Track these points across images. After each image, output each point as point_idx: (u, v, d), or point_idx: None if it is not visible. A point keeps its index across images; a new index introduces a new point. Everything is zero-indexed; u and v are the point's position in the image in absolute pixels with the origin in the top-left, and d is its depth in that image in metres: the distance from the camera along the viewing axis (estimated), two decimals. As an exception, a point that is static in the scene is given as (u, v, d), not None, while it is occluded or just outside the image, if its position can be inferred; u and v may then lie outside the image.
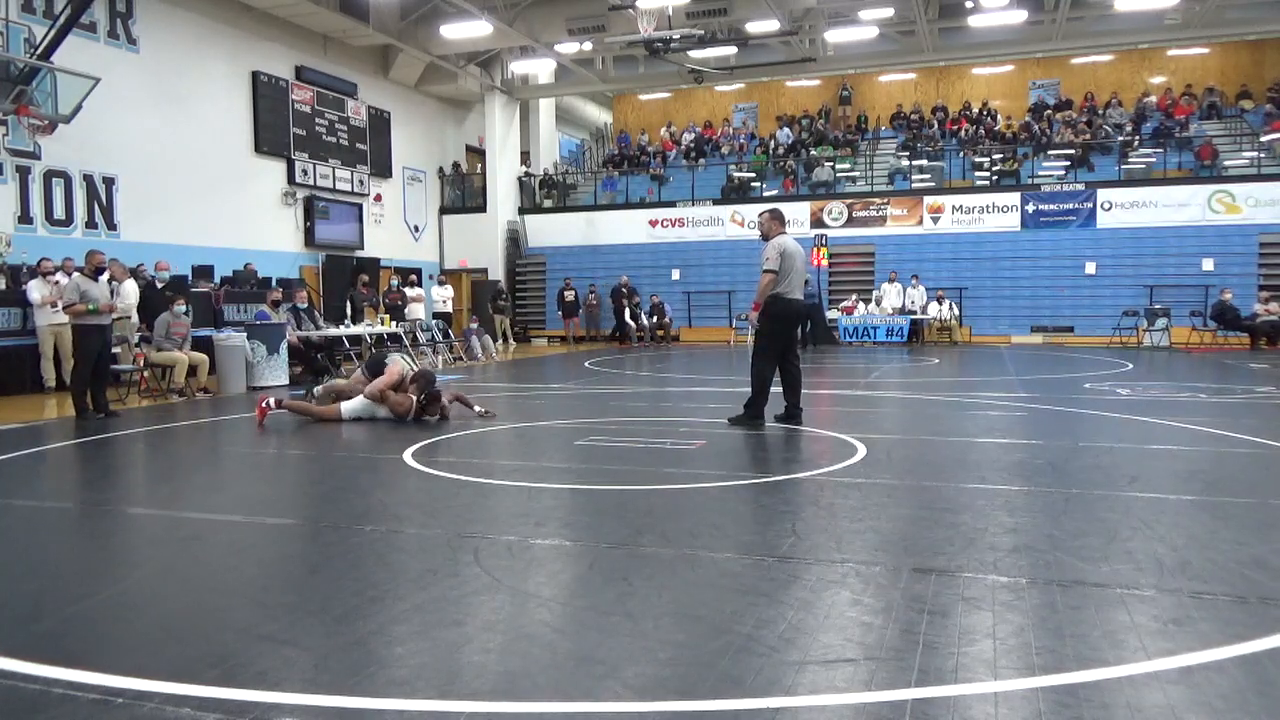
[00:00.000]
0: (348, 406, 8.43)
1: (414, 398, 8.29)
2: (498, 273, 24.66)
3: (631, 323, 22.40)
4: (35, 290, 11.53)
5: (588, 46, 22.34)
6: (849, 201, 22.93)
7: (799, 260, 7.72)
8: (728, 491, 5.26)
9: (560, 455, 6.52)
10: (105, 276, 10.11)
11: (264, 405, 8.50)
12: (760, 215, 8.10)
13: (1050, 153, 22.79)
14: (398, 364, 8.73)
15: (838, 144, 25.83)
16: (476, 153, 26.05)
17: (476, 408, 8.53)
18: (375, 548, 4.11)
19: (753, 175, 25.12)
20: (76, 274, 9.42)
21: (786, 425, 7.72)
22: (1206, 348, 18.22)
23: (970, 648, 2.82)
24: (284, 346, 12.42)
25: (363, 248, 21.43)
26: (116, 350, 11.31)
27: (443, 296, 20.71)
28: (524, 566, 3.85)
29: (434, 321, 18.29)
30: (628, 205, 24.90)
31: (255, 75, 18.24)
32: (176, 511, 5.07)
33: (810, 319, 20.16)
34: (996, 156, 22.95)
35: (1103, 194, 21.00)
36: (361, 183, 21.39)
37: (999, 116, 25.86)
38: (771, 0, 18.26)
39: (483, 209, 24.82)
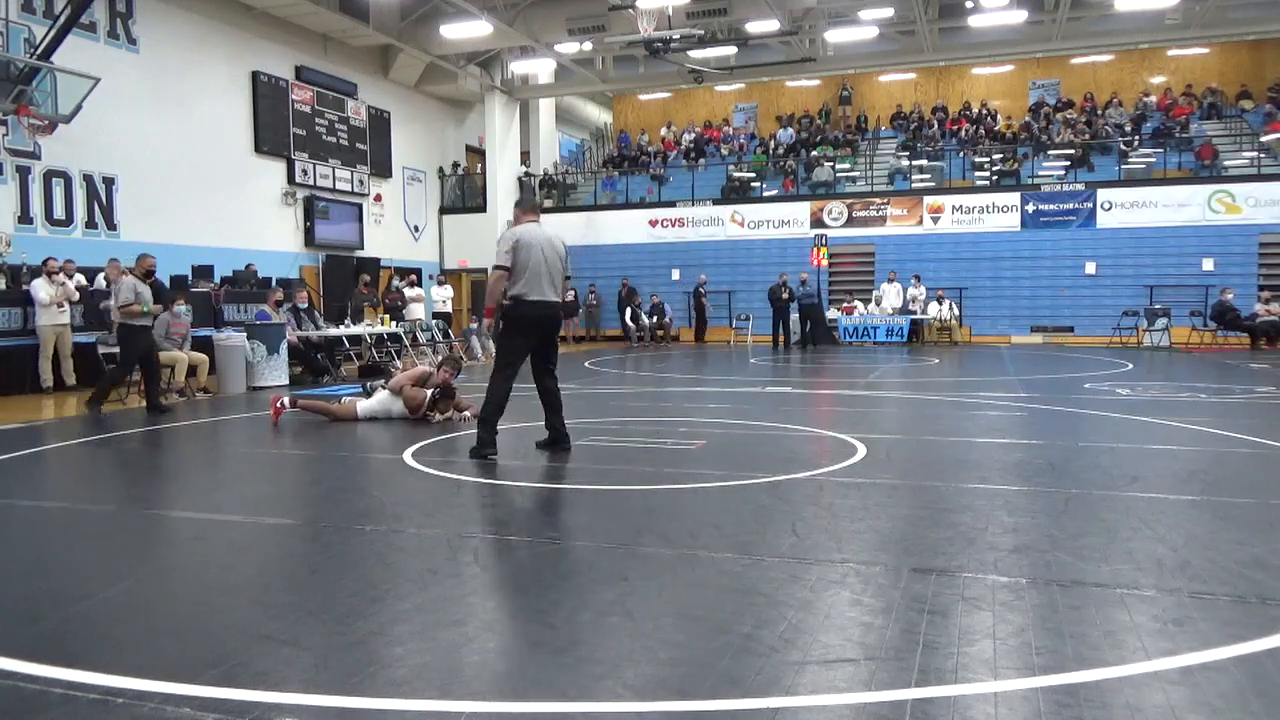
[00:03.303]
0: (364, 405, 8.45)
1: (427, 393, 8.31)
2: (498, 273, 24.62)
3: (633, 324, 22.39)
4: (42, 289, 11.51)
5: (588, 46, 22.35)
6: (849, 201, 22.93)
7: (544, 252, 6.31)
8: (728, 491, 5.26)
9: (561, 455, 6.51)
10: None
11: (278, 405, 8.50)
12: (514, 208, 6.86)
13: (1050, 153, 22.79)
14: (424, 366, 8.85)
15: (838, 144, 25.84)
16: (476, 153, 26.05)
17: (467, 412, 8.42)
18: (375, 548, 4.11)
19: (753, 175, 25.13)
20: (129, 276, 9.64)
21: (551, 450, 6.54)
22: (1206, 348, 18.22)
23: (970, 648, 2.82)
24: (284, 346, 12.42)
25: (363, 248, 21.43)
26: (116, 350, 11.31)
27: (443, 296, 20.70)
28: (524, 566, 3.85)
29: (434, 321, 18.29)
30: (628, 205, 24.90)
31: (255, 75, 18.24)
32: (177, 511, 5.08)
33: (810, 319, 20.21)
34: (996, 156, 22.96)
35: (1103, 194, 21.00)
36: (361, 183, 21.40)
37: (999, 116, 25.87)
38: (771, 0, 18.25)
39: (483, 209, 24.83)
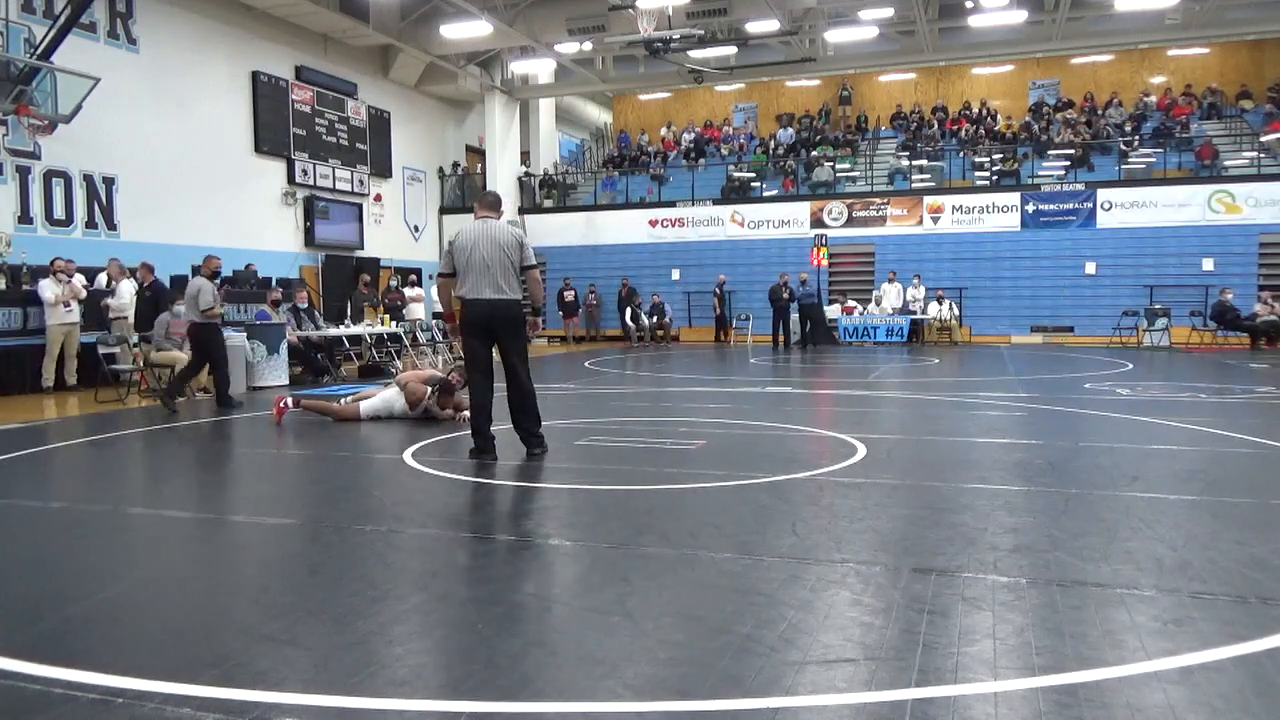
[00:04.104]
0: (366, 404, 8.48)
1: (428, 388, 8.34)
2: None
3: (632, 324, 22.38)
4: (48, 289, 11.51)
5: (588, 46, 22.34)
6: (849, 201, 22.93)
7: (482, 249, 6.16)
8: (728, 491, 5.26)
9: (560, 455, 6.52)
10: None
11: (281, 405, 8.53)
12: None
13: (1050, 153, 22.79)
14: (434, 371, 9.04)
15: (838, 144, 25.83)
16: (476, 153, 26.05)
17: (466, 413, 8.41)
18: (375, 548, 4.11)
19: (753, 175, 25.13)
20: (201, 278, 9.98)
21: (532, 456, 6.38)
22: (1206, 348, 18.22)
23: (970, 648, 2.82)
24: (284, 346, 12.41)
25: (363, 248, 21.43)
26: (116, 350, 11.32)
27: (443, 297, 20.66)
28: (524, 566, 3.85)
29: (434, 321, 18.28)
30: (628, 205, 24.90)
31: (255, 75, 18.24)
32: (177, 511, 5.07)
33: (810, 319, 20.21)
34: (996, 156, 22.95)
35: (1103, 194, 21.00)
36: (361, 183, 21.40)
37: (999, 116, 25.86)
38: (771, 0, 18.25)
39: (482, 209, 24.75)
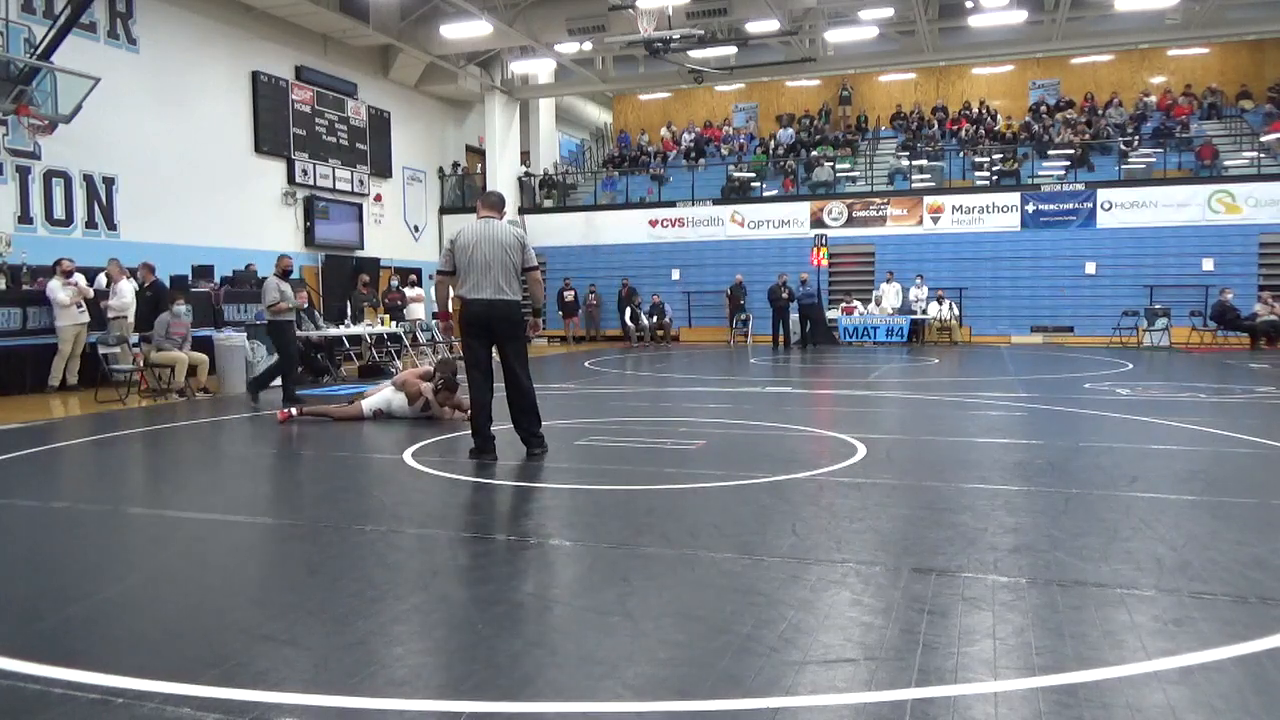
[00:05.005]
0: (368, 401, 8.51)
1: (428, 385, 8.36)
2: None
3: (632, 324, 22.38)
4: (59, 291, 11.50)
5: (588, 46, 22.34)
6: (849, 201, 22.93)
7: (483, 249, 6.15)
8: (728, 491, 5.26)
9: (560, 455, 6.52)
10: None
11: (286, 413, 8.53)
12: None
13: (1050, 153, 22.79)
14: (426, 366, 9.17)
15: (838, 144, 25.83)
16: (476, 153, 26.05)
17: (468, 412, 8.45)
18: (375, 548, 4.11)
19: (753, 175, 25.13)
20: (272, 276, 10.12)
21: (532, 456, 6.36)
22: (1206, 348, 18.22)
23: (970, 648, 2.82)
24: (284, 346, 12.40)
25: (363, 248, 21.43)
26: (116, 350, 11.32)
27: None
28: (524, 566, 3.85)
29: (434, 321, 18.27)
30: (628, 205, 24.89)
31: (255, 75, 18.24)
32: (176, 511, 5.07)
33: (810, 319, 20.21)
34: (996, 156, 22.94)
35: (1103, 194, 20.99)
36: (361, 183, 21.40)
37: (999, 116, 25.86)
38: (771, 0, 18.25)
39: (482, 209, 24.73)
